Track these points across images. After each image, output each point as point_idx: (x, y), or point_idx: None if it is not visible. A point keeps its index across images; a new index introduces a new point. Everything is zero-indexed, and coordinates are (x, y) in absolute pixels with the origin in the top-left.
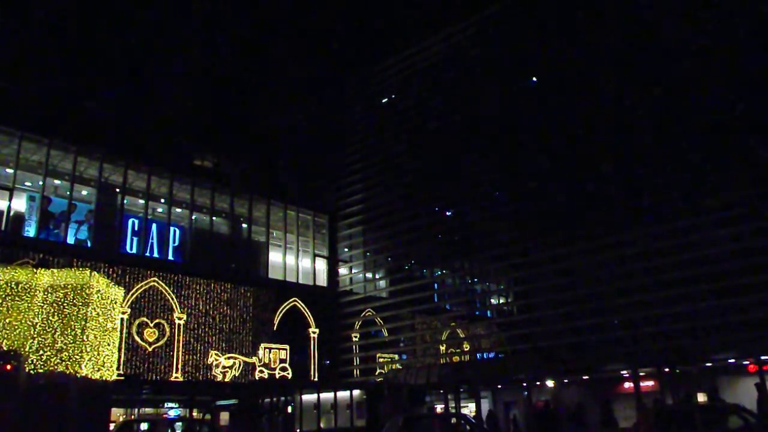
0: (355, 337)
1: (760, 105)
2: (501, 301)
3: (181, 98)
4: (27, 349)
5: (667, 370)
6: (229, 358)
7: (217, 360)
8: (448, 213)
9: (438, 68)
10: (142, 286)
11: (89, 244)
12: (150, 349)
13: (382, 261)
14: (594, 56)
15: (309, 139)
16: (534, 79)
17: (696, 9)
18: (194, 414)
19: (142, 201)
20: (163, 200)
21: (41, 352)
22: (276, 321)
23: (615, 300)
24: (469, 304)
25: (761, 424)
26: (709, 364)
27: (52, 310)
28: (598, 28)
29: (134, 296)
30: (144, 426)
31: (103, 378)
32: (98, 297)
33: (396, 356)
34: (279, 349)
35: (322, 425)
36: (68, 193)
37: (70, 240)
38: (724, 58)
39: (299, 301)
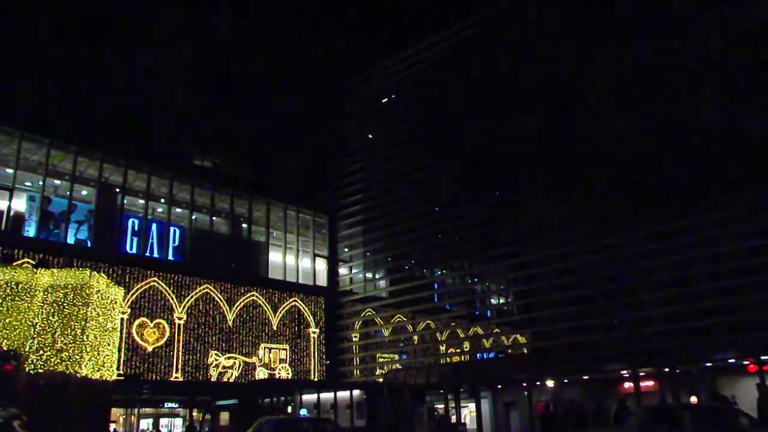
0: (355, 337)
1: (759, 105)
2: (501, 301)
3: (181, 98)
4: (27, 349)
5: (667, 370)
6: (229, 358)
7: (217, 360)
8: (447, 213)
9: (438, 68)
10: (142, 286)
11: (89, 244)
12: (150, 349)
13: (382, 261)
14: (593, 55)
15: (309, 139)
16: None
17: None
18: (194, 414)
19: (142, 201)
20: (163, 200)
21: (41, 352)
22: (276, 321)
23: (615, 300)
24: (469, 304)
25: None
26: (709, 364)
27: (52, 310)
28: (596, 27)
29: (134, 296)
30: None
31: (103, 378)
32: (98, 297)
33: (396, 356)
34: (279, 349)
35: None
36: (68, 193)
37: (70, 240)
38: (723, 59)
39: (299, 301)
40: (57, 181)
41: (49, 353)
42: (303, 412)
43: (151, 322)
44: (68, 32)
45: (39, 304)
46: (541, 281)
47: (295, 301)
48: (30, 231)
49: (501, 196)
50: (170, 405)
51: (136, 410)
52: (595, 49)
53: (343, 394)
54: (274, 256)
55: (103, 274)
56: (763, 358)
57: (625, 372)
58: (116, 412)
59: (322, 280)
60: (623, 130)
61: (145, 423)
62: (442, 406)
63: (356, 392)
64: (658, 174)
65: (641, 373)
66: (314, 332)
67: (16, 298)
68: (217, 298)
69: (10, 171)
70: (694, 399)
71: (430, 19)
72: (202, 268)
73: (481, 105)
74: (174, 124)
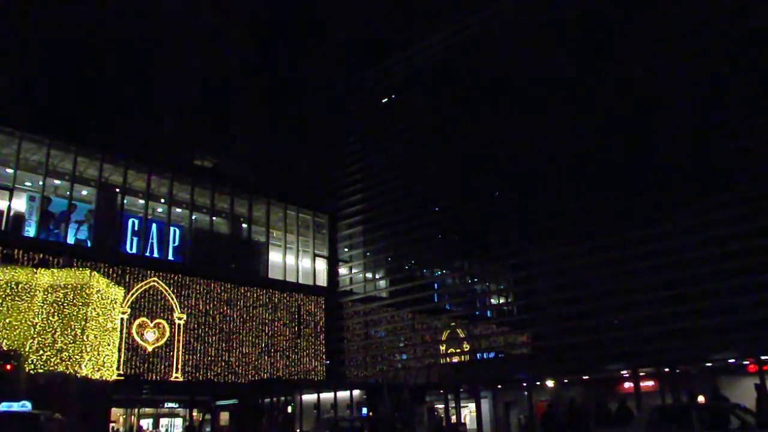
0: (355, 337)
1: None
2: (501, 301)
3: (181, 98)
4: (27, 349)
5: (667, 370)
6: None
7: None
8: (447, 213)
9: (438, 68)
10: (142, 286)
11: (89, 244)
12: (150, 349)
13: (382, 261)
14: (592, 56)
15: (309, 139)
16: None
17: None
18: (194, 414)
19: (142, 201)
20: (163, 200)
21: (41, 352)
22: (276, 321)
23: (615, 300)
24: (469, 304)
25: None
26: (709, 364)
27: (52, 310)
28: (595, 30)
29: (134, 296)
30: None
31: (103, 378)
32: (98, 297)
33: (396, 356)
34: (279, 349)
35: None
36: (68, 193)
37: (70, 240)
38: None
39: (299, 301)
40: (57, 181)
41: (49, 353)
42: (364, 411)
43: (151, 322)
44: (69, 32)
45: (39, 304)
46: (541, 281)
47: (295, 301)
48: (30, 231)
49: (501, 196)
50: (170, 405)
51: (136, 410)
52: (598, 49)
53: (343, 394)
54: (274, 256)
55: (103, 274)
56: (763, 358)
57: (625, 372)
58: (116, 412)
59: (322, 280)
60: (623, 130)
61: (145, 423)
62: (442, 406)
63: (356, 392)
64: (657, 174)
65: (641, 373)
66: (314, 332)
67: (16, 298)
68: (217, 298)
69: (10, 171)
70: (701, 398)
71: (431, 19)
72: (202, 268)
73: (481, 105)
74: (174, 124)
